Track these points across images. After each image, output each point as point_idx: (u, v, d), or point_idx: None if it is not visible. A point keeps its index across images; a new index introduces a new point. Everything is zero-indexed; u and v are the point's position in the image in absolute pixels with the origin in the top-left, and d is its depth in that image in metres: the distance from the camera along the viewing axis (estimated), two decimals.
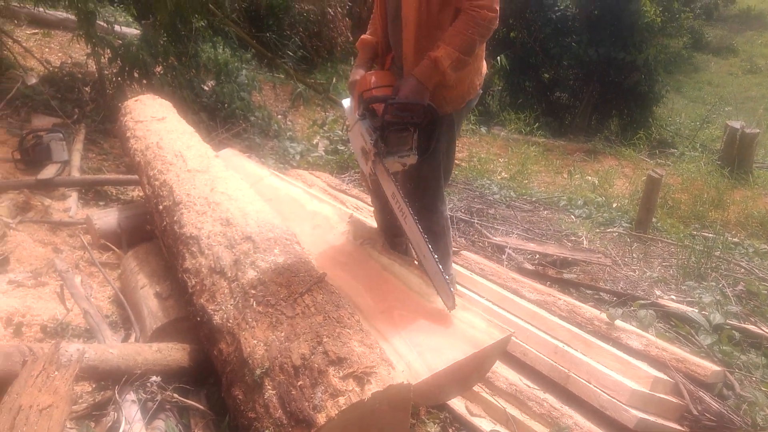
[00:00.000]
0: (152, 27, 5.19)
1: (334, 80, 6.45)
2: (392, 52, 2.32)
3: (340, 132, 5.51)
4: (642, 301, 2.67)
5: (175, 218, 2.30)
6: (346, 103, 2.41)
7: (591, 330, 2.41)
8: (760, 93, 17.56)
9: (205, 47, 5.25)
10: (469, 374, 1.77)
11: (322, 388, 1.36)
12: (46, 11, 6.03)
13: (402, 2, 2.07)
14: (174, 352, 1.85)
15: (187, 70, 5.13)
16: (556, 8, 11.86)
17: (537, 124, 10.34)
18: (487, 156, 7.87)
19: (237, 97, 5.43)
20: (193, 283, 1.95)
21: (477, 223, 4.24)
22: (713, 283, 3.43)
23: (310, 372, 1.40)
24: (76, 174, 3.84)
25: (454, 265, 2.93)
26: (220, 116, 5.34)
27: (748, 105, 16.49)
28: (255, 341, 1.56)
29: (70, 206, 3.48)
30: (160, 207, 2.50)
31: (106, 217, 3.09)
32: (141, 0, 5.00)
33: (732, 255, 4.16)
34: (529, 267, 3.44)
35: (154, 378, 1.76)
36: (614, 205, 6.22)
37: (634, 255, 4.28)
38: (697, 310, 2.65)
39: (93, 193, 3.79)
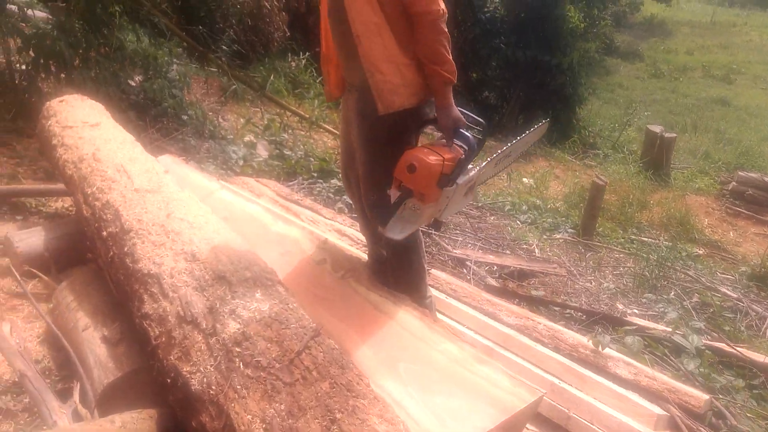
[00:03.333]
0: (65, 12, 4.62)
1: (271, 77, 6.10)
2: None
3: (285, 135, 5.19)
4: (628, 327, 2.63)
5: (125, 249, 1.97)
6: (402, 221, 1.99)
7: (578, 358, 2.33)
8: (664, 96, 18.75)
9: (132, 38, 4.76)
10: None
11: None
12: None
13: (345, 3, 1.93)
14: (141, 424, 1.55)
15: (111, 63, 4.62)
16: (486, 9, 12.00)
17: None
18: None
19: (168, 94, 4.98)
20: (157, 333, 1.66)
21: (434, 234, 4.11)
22: (672, 296, 3.49)
23: None
24: None
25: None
26: (150, 115, 4.88)
27: (654, 107, 17.56)
28: (249, 416, 1.31)
29: None
30: (104, 233, 2.15)
31: (30, 238, 2.66)
32: None
33: (676, 263, 4.28)
34: (495, 284, 3.35)
35: None
36: (550, 207, 6.33)
37: (585, 264, 4.31)
38: (680, 333, 2.64)
39: (8, 206, 3.29)
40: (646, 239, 5.64)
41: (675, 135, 9.31)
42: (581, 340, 2.44)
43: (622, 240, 5.30)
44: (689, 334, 2.56)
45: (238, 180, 3.97)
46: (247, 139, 5.94)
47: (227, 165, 4.41)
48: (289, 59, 6.86)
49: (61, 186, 3.33)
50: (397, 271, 2.23)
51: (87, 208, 2.34)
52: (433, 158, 1.88)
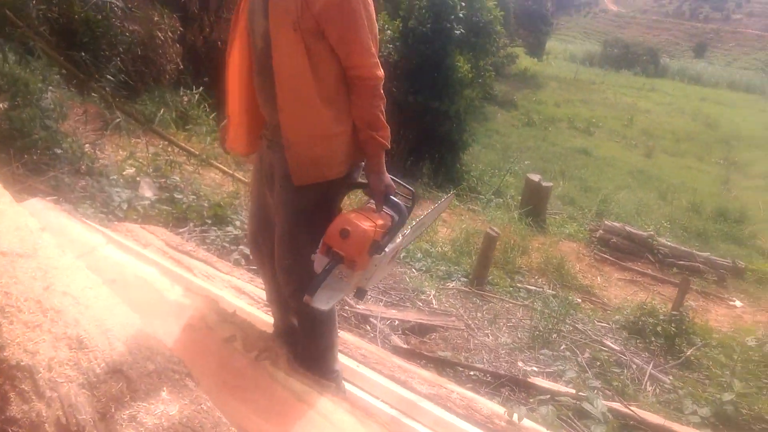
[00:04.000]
0: None
1: (161, 111, 5.68)
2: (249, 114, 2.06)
3: (177, 179, 4.82)
4: (541, 397, 2.67)
5: None
6: (328, 294, 1.88)
7: (494, 430, 2.30)
8: (536, 144, 20.35)
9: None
10: None
11: None
12: None
13: (273, 51, 1.81)
14: None
15: None
16: (380, 54, 12.30)
17: None
18: None
19: (40, 125, 4.45)
20: None
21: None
22: (565, 352, 3.64)
23: None
24: None
25: None
26: (16, 146, 4.32)
27: (528, 154, 18.99)
28: None
29: None
30: None
31: None
32: None
33: (563, 315, 4.50)
34: (402, 345, 3.29)
35: None
36: (440, 252, 6.47)
37: (481, 316, 4.40)
38: (584, 396, 2.72)
39: None
40: (531, 287, 5.91)
41: (551, 184, 10.02)
42: (496, 410, 2.43)
43: (510, 289, 5.51)
44: (593, 398, 2.65)
45: (121, 227, 3.58)
46: (127, 172, 5.48)
47: (108, 208, 3.99)
48: (182, 93, 6.48)
49: None
50: (306, 341, 2.10)
51: None
52: (367, 224, 1.82)
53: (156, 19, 6.06)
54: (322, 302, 1.84)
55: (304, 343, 2.10)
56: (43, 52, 4.68)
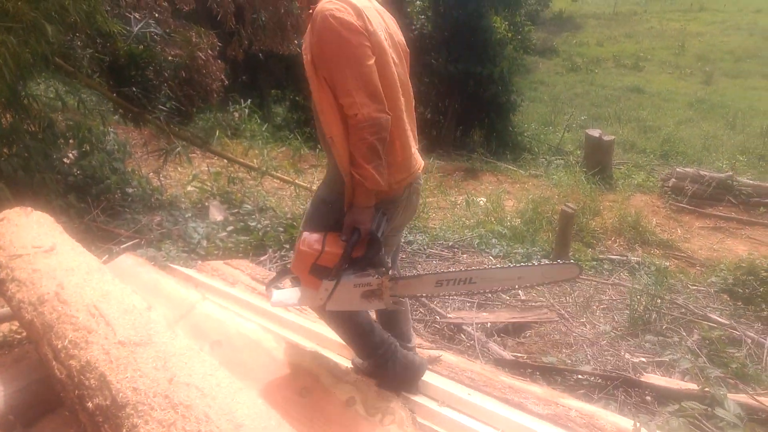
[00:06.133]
0: None
1: (217, 132, 5.72)
2: None
3: (249, 207, 4.85)
4: (670, 409, 2.54)
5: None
6: (286, 294, 2.14)
7: None
8: (584, 89, 19.50)
9: (63, 114, 4.31)
10: None
11: None
12: None
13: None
14: None
15: (43, 144, 4.17)
16: (413, 28, 12.00)
17: None
18: None
19: (109, 168, 4.55)
20: None
21: (422, 297, 3.92)
22: (670, 334, 3.48)
23: None
24: None
25: (437, 376, 2.60)
26: (92, 194, 4.44)
27: (577, 101, 18.25)
28: None
29: None
30: (89, 404, 1.81)
31: None
32: None
33: (656, 289, 4.29)
34: (504, 354, 3.21)
35: None
36: (512, 229, 6.30)
37: (573, 301, 4.26)
38: (709, 392, 2.56)
39: None
40: (613, 257, 5.70)
41: (613, 137, 9.59)
42: (621, 425, 2.32)
43: (594, 263, 5.32)
44: (722, 399, 2.50)
45: (206, 267, 3.63)
46: (194, 196, 5.58)
47: (189, 246, 4.05)
48: (231, 109, 6.49)
49: (4, 310, 2.91)
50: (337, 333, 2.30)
51: (60, 367, 1.99)
52: (315, 247, 1.95)
53: (195, 39, 6.06)
54: (276, 300, 2.09)
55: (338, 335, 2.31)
56: (98, 94, 4.75)
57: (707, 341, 3.42)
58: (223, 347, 2.38)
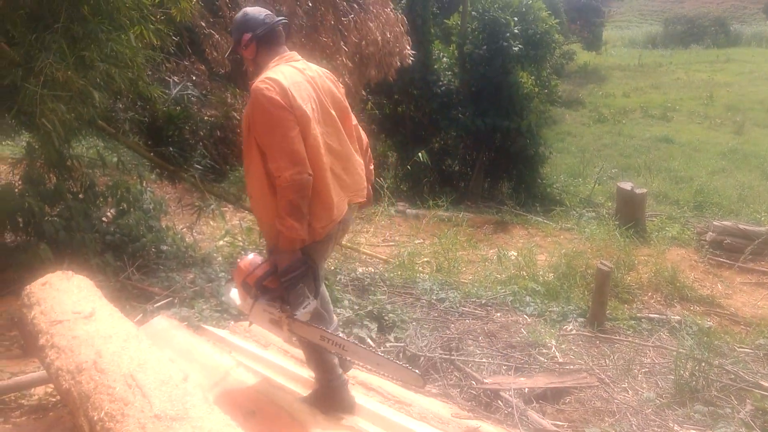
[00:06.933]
0: (27, 155, 4.33)
1: None
2: None
3: None
4: None
5: None
6: (233, 294, 2.68)
7: None
8: (612, 140, 19.42)
9: (102, 171, 4.44)
10: None
11: None
12: None
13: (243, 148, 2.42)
14: None
15: (83, 204, 4.28)
16: (440, 84, 12.23)
17: (440, 196, 10.34)
18: (412, 245, 7.58)
19: (145, 227, 4.64)
20: None
21: (457, 359, 3.83)
22: (725, 407, 3.29)
23: None
24: None
25: None
26: (128, 252, 4.51)
27: (605, 152, 18.14)
28: None
29: None
30: None
31: None
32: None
33: (703, 353, 4.11)
34: (548, 426, 3.08)
35: None
36: (545, 285, 6.16)
37: (613, 364, 4.10)
38: None
39: None
40: (653, 315, 5.51)
41: (645, 190, 9.46)
42: None
43: (632, 322, 5.14)
44: None
45: (239, 328, 3.61)
46: (226, 251, 5.62)
47: (222, 306, 4.05)
48: None
49: (41, 373, 2.92)
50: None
51: None
52: (248, 267, 2.43)
53: (230, 100, 6.27)
54: (227, 297, 2.95)
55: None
56: (136, 154, 4.89)
57: (761, 412, 3.23)
58: (256, 417, 2.33)
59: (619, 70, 29.54)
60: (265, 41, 2.44)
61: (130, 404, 1.97)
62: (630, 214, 9.12)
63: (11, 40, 4.08)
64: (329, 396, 2.59)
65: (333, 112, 2.48)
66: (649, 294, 6.98)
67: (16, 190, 3.85)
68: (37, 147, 4.18)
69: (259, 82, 2.25)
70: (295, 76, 2.34)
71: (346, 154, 2.51)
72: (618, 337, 4.62)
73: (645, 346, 4.50)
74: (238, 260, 2.51)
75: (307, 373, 2.85)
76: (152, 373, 2.12)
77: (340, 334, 2.65)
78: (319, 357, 2.58)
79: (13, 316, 3.44)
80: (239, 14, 2.51)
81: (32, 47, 3.85)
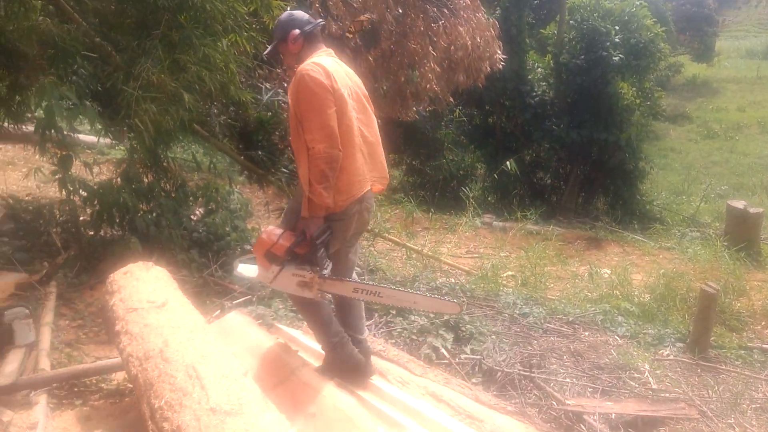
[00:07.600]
0: (129, 154, 4.59)
1: None
2: None
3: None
4: None
5: None
6: (247, 269, 2.92)
7: None
8: (722, 157, 18.00)
9: (195, 173, 4.64)
10: None
11: None
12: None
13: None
14: None
15: (174, 202, 4.46)
16: (534, 94, 11.85)
17: (530, 209, 9.95)
18: (496, 258, 7.30)
19: (231, 226, 4.77)
20: None
21: (537, 377, 3.58)
22: None
23: None
24: (45, 360, 3.03)
25: None
26: (213, 250, 4.65)
27: (714, 170, 16.81)
28: None
29: (37, 420, 2.65)
30: None
31: None
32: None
33: None
34: None
35: None
36: (641, 307, 5.69)
37: (717, 396, 3.67)
38: None
39: (67, 388, 2.98)
40: (766, 346, 4.92)
41: (761, 210, 8.58)
42: None
43: (741, 352, 4.61)
44: None
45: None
46: None
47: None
48: None
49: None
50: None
51: (154, 428, 1.96)
52: (273, 237, 2.54)
53: None
54: (238, 272, 2.98)
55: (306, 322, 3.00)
56: (227, 156, 5.05)
57: None
58: (316, 420, 2.26)
59: (734, 82, 27.32)
60: (310, 38, 2.70)
61: (189, 395, 1.95)
62: (742, 235, 8.29)
63: (118, 47, 4.38)
64: (335, 358, 2.70)
65: (366, 104, 2.74)
66: (763, 323, 6.28)
67: (115, 186, 4.08)
68: (137, 147, 4.42)
69: (306, 65, 2.52)
70: (335, 65, 2.62)
71: (374, 143, 2.75)
72: (724, 367, 4.15)
73: (757, 379, 4.00)
74: (260, 234, 2.66)
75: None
76: (213, 366, 2.10)
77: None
78: (311, 317, 2.76)
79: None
80: (284, 15, 2.81)
81: (134, 53, 4.10)
